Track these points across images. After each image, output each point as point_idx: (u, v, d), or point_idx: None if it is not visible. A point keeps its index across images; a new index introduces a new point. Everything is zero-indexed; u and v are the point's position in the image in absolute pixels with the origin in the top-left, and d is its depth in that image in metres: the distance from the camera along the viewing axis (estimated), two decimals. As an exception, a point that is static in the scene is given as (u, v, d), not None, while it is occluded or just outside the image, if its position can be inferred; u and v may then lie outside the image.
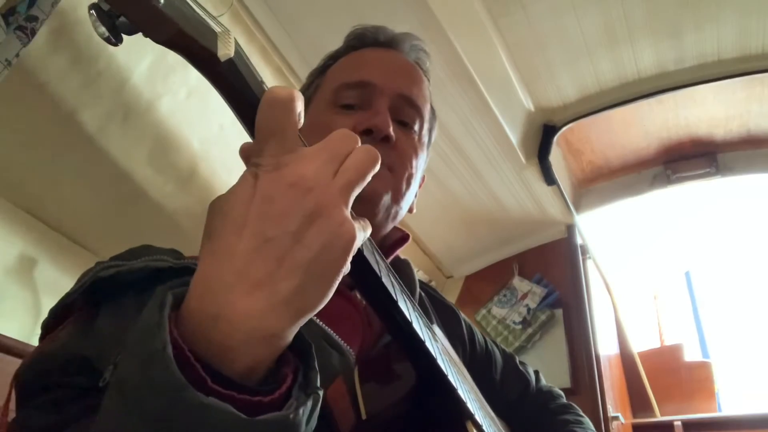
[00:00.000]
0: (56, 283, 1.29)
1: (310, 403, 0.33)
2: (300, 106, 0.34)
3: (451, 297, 2.74)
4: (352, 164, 0.34)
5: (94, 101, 1.23)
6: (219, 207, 0.33)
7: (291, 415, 0.31)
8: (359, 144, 0.36)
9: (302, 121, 0.35)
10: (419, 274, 2.55)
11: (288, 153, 0.33)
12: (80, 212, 1.38)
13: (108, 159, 1.31)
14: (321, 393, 0.35)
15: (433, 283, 2.70)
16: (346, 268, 0.34)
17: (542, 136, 2.15)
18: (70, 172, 1.30)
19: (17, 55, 0.90)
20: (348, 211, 0.34)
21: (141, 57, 1.25)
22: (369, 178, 0.35)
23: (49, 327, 0.51)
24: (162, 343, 0.29)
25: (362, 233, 0.36)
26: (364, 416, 0.50)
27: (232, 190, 0.33)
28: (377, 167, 0.36)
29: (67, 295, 0.51)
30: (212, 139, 1.46)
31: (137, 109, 1.30)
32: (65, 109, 1.19)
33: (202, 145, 1.45)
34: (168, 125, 1.37)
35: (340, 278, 0.34)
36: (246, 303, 0.31)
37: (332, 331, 0.57)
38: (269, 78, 1.60)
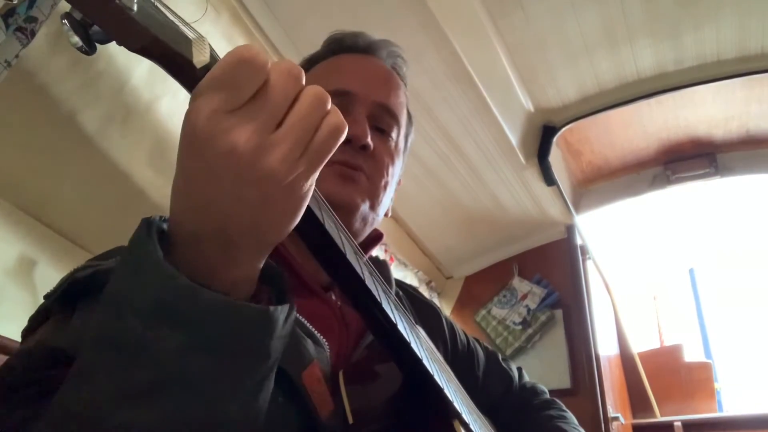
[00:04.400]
0: (56, 283, 1.28)
1: (286, 307, 0.38)
2: (264, 76, 0.33)
3: (451, 297, 2.74)
4: (297, 118, 0.34)
5: (93, 102, 1.23)
6: (179, 159, 0.35)
7: (271, 309, 0.36)
8: (303, 80, 0.35)
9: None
10: (419, 275, 2.56)
11: (227, 112, 0.32)
12: (80, 213, 1.38)
13: (108, 160, 1.31)
14: (294, 303, 0.40)
15: (432, 284, 2.70)
16: (305, 205, 0.37)
17: (542, 137, 2.15)
18: (70, 173, 1.30)
19: (17, 56, 0.90)
20: (296, 163, 0.34)
21: (140, 58, 1.25)
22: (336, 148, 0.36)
23: (29, 332, 0.52)
24: (152, 249, 0.33)
25: (316, 170, 0.35)
26: (350, 420, 0.50)
27: (181, 146, 0.34)
28: (326, 112, 0.35)
29: (45, 298, 0.51)
30: (212, 139, 1.46)
31: (137, 110, 1.30)
32: (65, 110, 1.19)
33: (201, 146, 1.45)
34: (168, 126, 1.37)
35: (299, 215, 0.37)
36: (207, 253, 0.35)
37: (307, 322, 0.58)
38: (269, 79, 1.60)
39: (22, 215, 1.28)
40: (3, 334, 1.06)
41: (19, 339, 1.03)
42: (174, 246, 0.36)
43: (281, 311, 0.37)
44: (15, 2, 0.85)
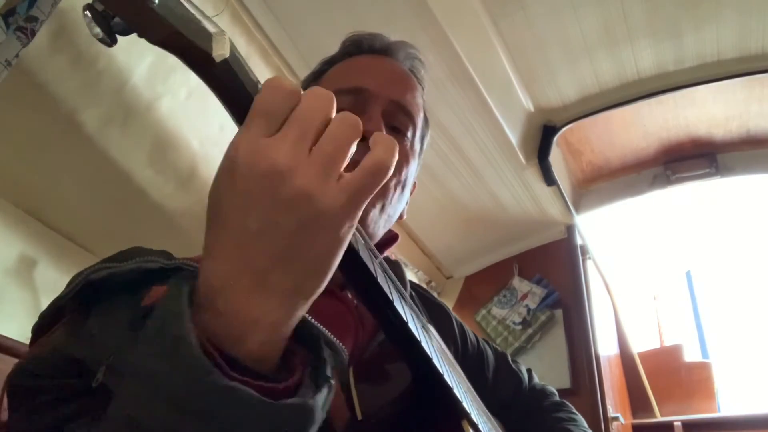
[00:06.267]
0: (56, 283, 1.29)
1: (325, 391, 0.35)
2: (295, 100, 0.34)
3: (451, 297, 2.74)
4: (328, 138, 0.34)
5: (94, 101, 1.23)
6: (211, 200, 0.35)
7: (309, 401, 0.33)
8: (333, 104, 0.35)
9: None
10: (419, 275, 2.56)
11: (265, 137, 0.33)
12: (80, 212, 1.38)
13: (108, 159, 1.31)
14: (333, 382, 0.37)
15: (432, 284, 2.70)
16: (342, 251, 0.35)
17: (542, 137, 2.15)
18: (70, 172, 1.30)
19: (17, 56, 0.90)
20: (332, 188, 0.33)
21: (141, 57, 1.25)
22: (352, 150, 0.34)
23: (39, 331, 0.51)
24: (186, 330, 0.31)
25: (357, 208, 0.34)
26: (359, 417, 0.50)
27: (215, 184, 0.34)
28: (358, 136, 0.35)
29: (58, 298, 0.50)
30: (212, 139, 1.46)
31: (137, 109, 1.30)
32: (65, 110, 1.19)
33: (202, 145, 1.45)
34: (168, 125, 1.37)
35: (335, 264, 0.35)
36: (240, 297, 0.33)
37: (323, 327, 0.57)
38: (269, 78, 1.60)
39: (23, 215, 1.28)
40: (3, 334, 1.06)
41: (18, 338, 1.03)
42: (205, 298, 0.33)
43: (321, 397, 0.34)
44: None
